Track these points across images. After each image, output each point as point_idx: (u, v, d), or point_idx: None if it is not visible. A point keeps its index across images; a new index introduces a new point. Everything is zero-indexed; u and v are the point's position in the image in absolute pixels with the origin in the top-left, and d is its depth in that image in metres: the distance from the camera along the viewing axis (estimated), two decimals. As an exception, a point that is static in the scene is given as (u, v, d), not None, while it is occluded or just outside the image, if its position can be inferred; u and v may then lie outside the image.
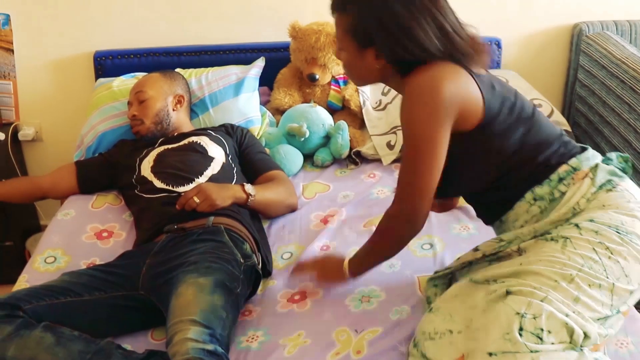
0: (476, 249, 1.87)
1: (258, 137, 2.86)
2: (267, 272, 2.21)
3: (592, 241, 1.66)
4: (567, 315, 1.58)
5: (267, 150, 2.77)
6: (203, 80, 2.92)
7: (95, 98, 2.95)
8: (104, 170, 2.64)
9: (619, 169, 1.86)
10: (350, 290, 2.07)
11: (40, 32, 3.19)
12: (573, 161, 1.81)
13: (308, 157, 2.88)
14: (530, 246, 1.74)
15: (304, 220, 2.48)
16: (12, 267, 3.02)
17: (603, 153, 2.81)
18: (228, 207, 2.24)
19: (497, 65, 3.26)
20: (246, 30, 3.17)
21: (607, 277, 1.63)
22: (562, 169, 1.80)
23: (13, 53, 3.19)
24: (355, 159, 2.86)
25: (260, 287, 2.15)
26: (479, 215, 2.04)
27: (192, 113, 2.87)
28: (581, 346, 1.59)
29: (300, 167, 2.82)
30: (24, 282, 2.18)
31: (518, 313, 1.57)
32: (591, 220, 1.70)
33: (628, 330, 1.86)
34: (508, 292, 1.63)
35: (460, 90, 1.73)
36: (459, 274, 1.93)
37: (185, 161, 2.46)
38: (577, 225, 1.70)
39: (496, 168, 1.82)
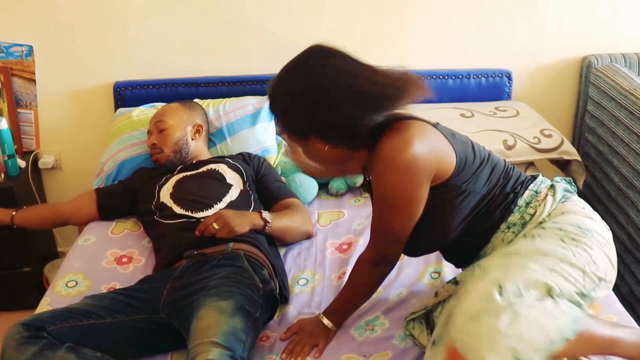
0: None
1: (274, 166, 2.92)
2: (284, 297, 2.24)
3: (558, 234, 1.83)
4: (539, 278, 1.71)
5: (283, 179, 2.81)
6: (221, 110, 2.98)
7: (116, 127, 3.01)
8: (124, 197, 2.69)
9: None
10: (354, 320, 2.12)
11: (61, 63, 3.26)
12: (532, 186, 1.97)
13: (323, 186, 2.92)
14: (512, 247, 1.86)
15: (319, 248, 2.52)
16: (30, 293, 3.10)
17: (613, 183, 2.87)
18: (246, 234, 2.29)
19: (508, 96, 3.31)
20: (262, 62, 3.23)
21: (577, 262, 1.76)
22: (527, 194, 1.95)
23: (35, 83, 3.26)
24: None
25: (277, 314, 2.19)
26: (451, 261, 2.14)
27: (210, 142, 2.92)
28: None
29: (315, 196, 2.86)
30: (46, 305, 2.22)
31: (496, 279, 1.69)
32: (554, 223, 1.87)
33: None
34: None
35: (433, 147, 1.82)
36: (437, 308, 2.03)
37: (204, 188, 2.51)
38: (542, 228, 1.86)
39: (473, 210, 1.91)
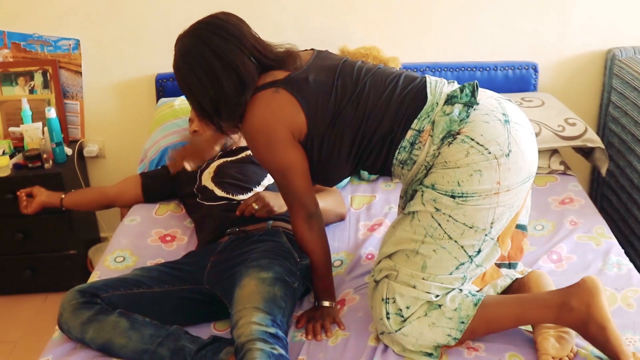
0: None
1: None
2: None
3: (431, 212, 1.91)
4: (414, 287, 1.93)
5: (318, 165, 2.92)
6: (258, 98, 3.10)
7: (158, 116, 3.16)
8: (167, 181, 2.82)
9: (466, 103, 1.95)
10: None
11: (106, 56, 3.40)
12: (415, 123, 1.96)
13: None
14: (398, 220, 2.04)
15: (352, 230, 2.63)
16: (75, 275, 3.23)
17: (636, 171, 2.95)
18: (284, 214, 2.40)
19: (534, 88, 3.39)
20: (298, 54, 3.35)
21: (450, 237, 1.89)
22: (409, 134, 1.97)
23: (81, 75, 3.41)
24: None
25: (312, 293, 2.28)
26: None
27: (248, 129, 3.04)
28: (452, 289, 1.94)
29: (348, 181, 2.97)
30: (96, 277, 2.35)
31: (383, 299, 1.96)
32: (433, 187, 1.92)
33: (636, 328, 2.02)
34: (376, 281, 2.02)
35: (276, 111, 1.99)
36: None
37: (243, 172, 2.63)
38: (422, 196, 1.94)
39: (351, 150, 2.04)
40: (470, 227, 1.89)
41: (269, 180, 2.61)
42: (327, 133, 2.01)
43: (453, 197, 1.88)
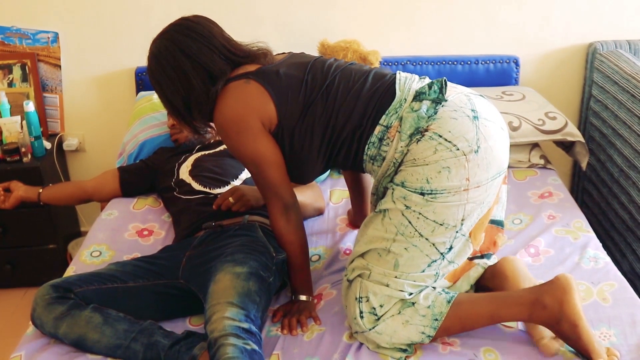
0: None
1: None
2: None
3: (402, 209, 1.91)
4: (387, 285, 1.93)
5: (297, 158, 2.91)
6: (238, 92, 3.09)
7: (137, 109, 3.14)
8: (145, 175, 2.80)
9: (434, 99, 1.95)
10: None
11: (85, 49, 3.38)
12: (383, 119, 1.97)
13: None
14: (370, 219, 2.03)
15: (331, 224, 2.62)
16: (55, 269, 3.21)
17: (616, 165, 2.95)
18: (261, 208, 2.39)
19: (515, 82, 3.39)
20: (278, 48, 3.33)
21: (421, 235, 1.89)
22: (377, 130, 1.98)
23: (60, 69, 3.39)
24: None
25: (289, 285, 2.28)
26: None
27: (227, 123, 3.03)
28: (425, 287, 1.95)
29: (327, 175, 2.97)
30: (71, 272, 2.34)
31: (356, 298, 1.96)
32: (402, 185, 1.92)
33: (611, 322, 2.02)
34: (349, 281, 2.01)
35: (247, 101, 1.99)
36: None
37: (221, 165, 2.62)
38: (392, 194, 1.94)
39: (321, 145, 2.04)
40: (441, 224, 1.89)
41: (246, 174, 2.60)
42: (297, 126, 2.01)
43: (422, 194, 1.88)
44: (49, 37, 3.34)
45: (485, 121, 1.92)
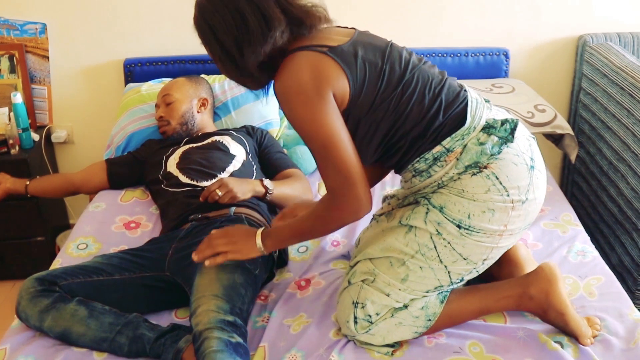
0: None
1: (277, 138, 3.02)
2: (283, 261, 2.34)
3: (432, 233, 1.87)
4: (388, 295, 1.92)
5: (285, 151, 2.91)
6: (226, 85, 3.07)
7: (125, 101, 3.12)
8: (133, 167, 2.79)
9: (502, 137, 1.88)
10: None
11: (74, 40, 3.36)
12: (447, 141, 1.87)
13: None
14: (392, 229, 1.96)
15: (319, 217, 2.62)
16: (43, 261, 3.18)
17: (605, 157, 2.95)
18: (248, 200, 2.39)
19: (505, 74, 3.38)
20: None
21: (441, 261, 1.87)
22: (436, 149, 1.88)
23: (48, 60, 3.37)
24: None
25: (277, 277, 2.29)
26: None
27: (215, 115, 3.03)
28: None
29: (315, 167, 2.94)
30: (58, 265, 2.33)
31: (353, 302, 1.93)
32: (441, 210, 1.86)
33: (597, 316, 2.03)
34: (350, 283, 1.98)
35: (326, 72, 1.79)
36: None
37: (208, 158, 2.60)
38: (426, 214, 1.88)
39: (381, 143, 1.92)
40: (464, 259, 1.89)
41: (234, 166, 2.59)
42: (365, 117, 1.88)
43: (459, 227, 1.85)
44: (37, 28, 3.31)
45: (538, 173, 1.91)
